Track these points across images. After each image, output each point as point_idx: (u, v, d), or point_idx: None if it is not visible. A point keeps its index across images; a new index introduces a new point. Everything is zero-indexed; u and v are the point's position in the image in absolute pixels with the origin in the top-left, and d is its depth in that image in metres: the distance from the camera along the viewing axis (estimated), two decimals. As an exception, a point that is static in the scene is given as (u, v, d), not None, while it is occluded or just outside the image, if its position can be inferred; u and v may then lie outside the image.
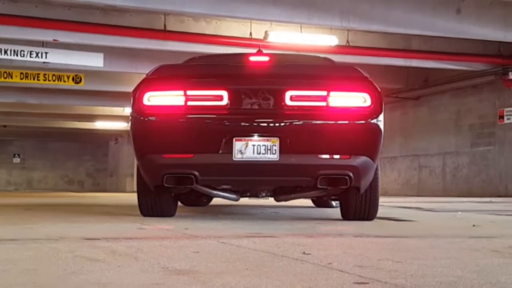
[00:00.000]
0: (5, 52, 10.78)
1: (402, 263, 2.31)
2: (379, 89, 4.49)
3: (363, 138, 4.50)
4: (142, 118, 4.52)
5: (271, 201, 6.34)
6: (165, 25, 10.44)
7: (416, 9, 9.45)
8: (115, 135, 30.06)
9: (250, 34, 10.77)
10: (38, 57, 11.06)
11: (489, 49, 12.26)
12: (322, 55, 6.35)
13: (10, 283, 1.83)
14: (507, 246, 2.94)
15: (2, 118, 22.69)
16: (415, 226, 4.37)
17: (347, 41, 11.29)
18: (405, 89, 15.09)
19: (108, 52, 11.79)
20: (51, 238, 3.18)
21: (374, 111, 4.42)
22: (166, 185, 4.48)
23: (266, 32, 10.58)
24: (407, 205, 7.95)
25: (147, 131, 4.58)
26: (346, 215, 4.86)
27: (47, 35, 10.04)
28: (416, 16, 9.47)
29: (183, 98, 4.43)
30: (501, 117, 12.57)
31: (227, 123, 4.47)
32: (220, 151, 4.39)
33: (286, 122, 4.46)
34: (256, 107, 4.47)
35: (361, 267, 2.20)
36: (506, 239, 3.35)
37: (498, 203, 9.04)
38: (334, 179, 4.44)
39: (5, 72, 13.34)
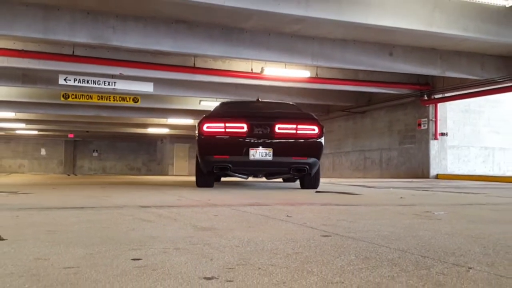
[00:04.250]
0: (87, 81, 10.79)
1: (353, 223, 2.31)
2: (322, 124, 5.73)
3: (313, 149, 5.63)
4: (203, 137, 5.56)
5: (263, 180, 6.48)
6: (194, 64, 10.43)
7: (362, 53, 9.45)
8: (161, 137, 30.02)
9: (251, 69, 10.76)
10: (109, 85, 11.06)
11: (411, 79, 12.25)
12: (292, 103, 7.29)
13: (91, 236, 1.83)
14: (423, 211, 2.95)
15: (85, 126, 22.70)
16: (362, 198, 4.37)
17: (316, 74, 11.28)
18: (355, 106, 15.08)
19: (156, 81, 11.79)
20: (118, 206, 3.19)
21: (319, 135, 5.62)
22: (215, 171, 5.75)
23: (262, 68, 10.59)
24: (356, 184, 7.95)
25: (206, 144, 5.60)
26: (303, 187, 6.08)
27: (115, 70, 10.04)
28: (363, 57, 9.46)
29: (223, 127, 5.56)
30: (419, 124, 12.56)
31: (246, 140, 5.54)
32: (243, 155, 5.52)
33: (275, 140, 5.57)
34: (261, 132, 5.57)
35: (325, 225, 2.20)
36: (422, 206, 3.36)
37: (417, 182, 9.05)
38: (299, 169, 5.67)
39: (87, 95, 13.36)
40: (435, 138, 12.19)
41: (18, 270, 1.25)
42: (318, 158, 5.66)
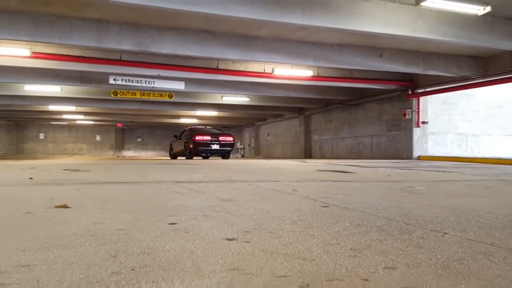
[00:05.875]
0: (132, 81, 10.86)
1: (348, 196, 2.30)
2: (234, 136, 11.95)
3: (231, 145, 11.91)
4: (195, 140, 11.48)
5: (262, 162, 6.36)
6: (217, 66, 10.38)
7: (356, 55, 9.26)
8: (190, 126, 30.16)
9: (264, 70, 10.66)
10: (149, 84, 11.12)
11: (397, 77, 12.00)
12: (224, 125, 13.17)
13: (138, 204, 1.87)
14: (407, 186, 2.92)
15: (131, 117, 22.90)
16: (356, 175, 4.35)
17: (318, 73, 11.13)
18: (350, 99, 14.85)
19: (187, 81, 11.79)
20: (157, 181, 3.24)
21: (233, 140, 12.06)
22: (200, 154, 11.66)
23: (273, 69, 10.48)
24: (351, 164, 7.89)
25: (196, 143, 11.53)
26: (223, 158, 11.29)
27: (154, 72, 10.07)
28: (356, 59, 9.28)
29: (202, 137, 11.69)
30: (404, 115, 12.32)
31: (210, 142, 11.63)
32: (209, 147, 11.64)
33: (220, 142, 11.75)
34: (215, 139, 11.71)
35: (325, 198, 2.20)
36: (407, 182, 3.32)
37: (402, 163, 8.93)
38: (226, 152, 11.99)
39: (132, 92, 13.44)
40: (418, 126, 11.99)
41: (80, 231, 1.28)
42: (233, 148, 11.94)
